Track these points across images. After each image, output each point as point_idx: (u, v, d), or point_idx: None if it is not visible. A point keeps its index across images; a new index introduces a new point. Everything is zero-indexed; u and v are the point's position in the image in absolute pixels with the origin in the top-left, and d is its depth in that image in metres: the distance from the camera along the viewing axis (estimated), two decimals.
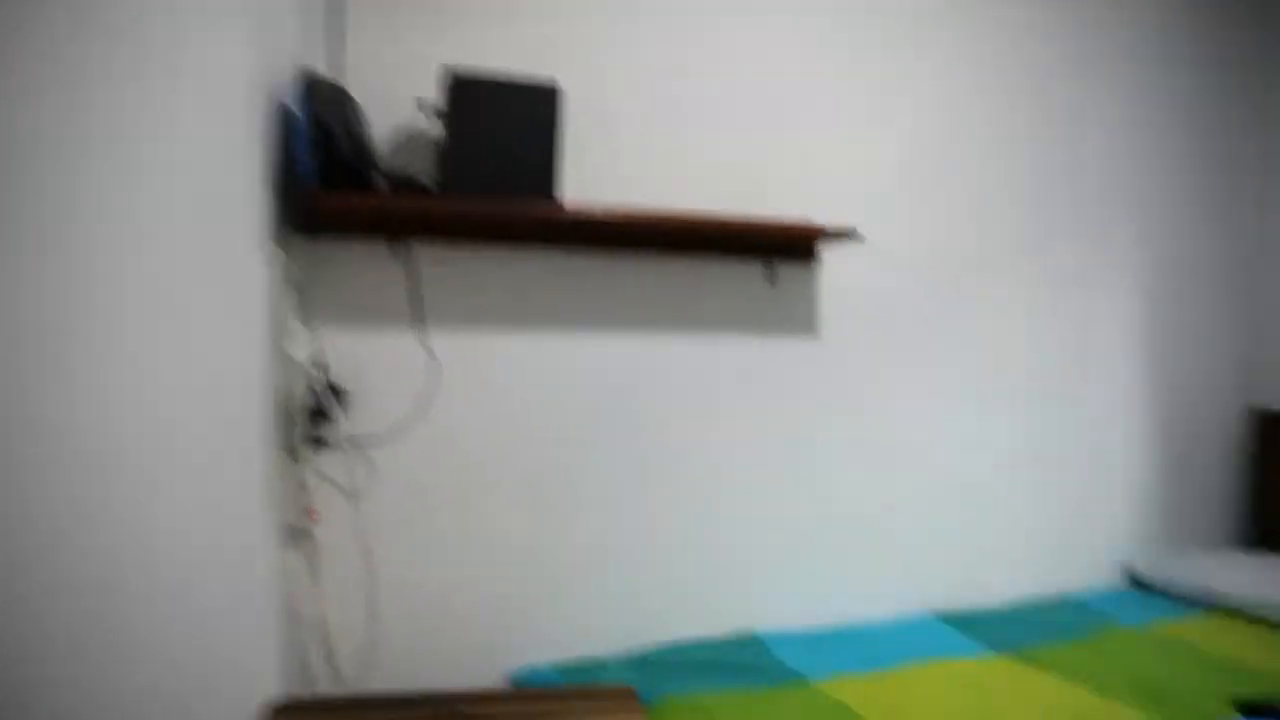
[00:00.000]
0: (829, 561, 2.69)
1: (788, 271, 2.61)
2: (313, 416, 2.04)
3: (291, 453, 2.03)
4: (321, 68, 2.08)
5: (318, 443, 2.08)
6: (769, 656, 2.36)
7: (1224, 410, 3.35)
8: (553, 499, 2.36)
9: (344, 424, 2.13)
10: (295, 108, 1.89)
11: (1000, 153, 2.91)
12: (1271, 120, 3.34)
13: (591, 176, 2.35)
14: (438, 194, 2.06)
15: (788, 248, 2.57)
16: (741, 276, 2.55)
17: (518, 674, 2.27)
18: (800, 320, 2.64)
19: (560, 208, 2.16)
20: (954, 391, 2.86)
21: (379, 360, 2.18)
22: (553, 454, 2.36)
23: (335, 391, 2.08)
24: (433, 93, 2.14)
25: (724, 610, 2.54)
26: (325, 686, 2.14)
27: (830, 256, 2.66)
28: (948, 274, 2.84)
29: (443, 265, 2.24)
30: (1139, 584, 3.07)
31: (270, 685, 1.89)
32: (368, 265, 2.17)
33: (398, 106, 2.18)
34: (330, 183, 1.94)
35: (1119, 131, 3.10)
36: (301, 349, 2.03)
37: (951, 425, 2.86)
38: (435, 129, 2.14)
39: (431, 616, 2.25)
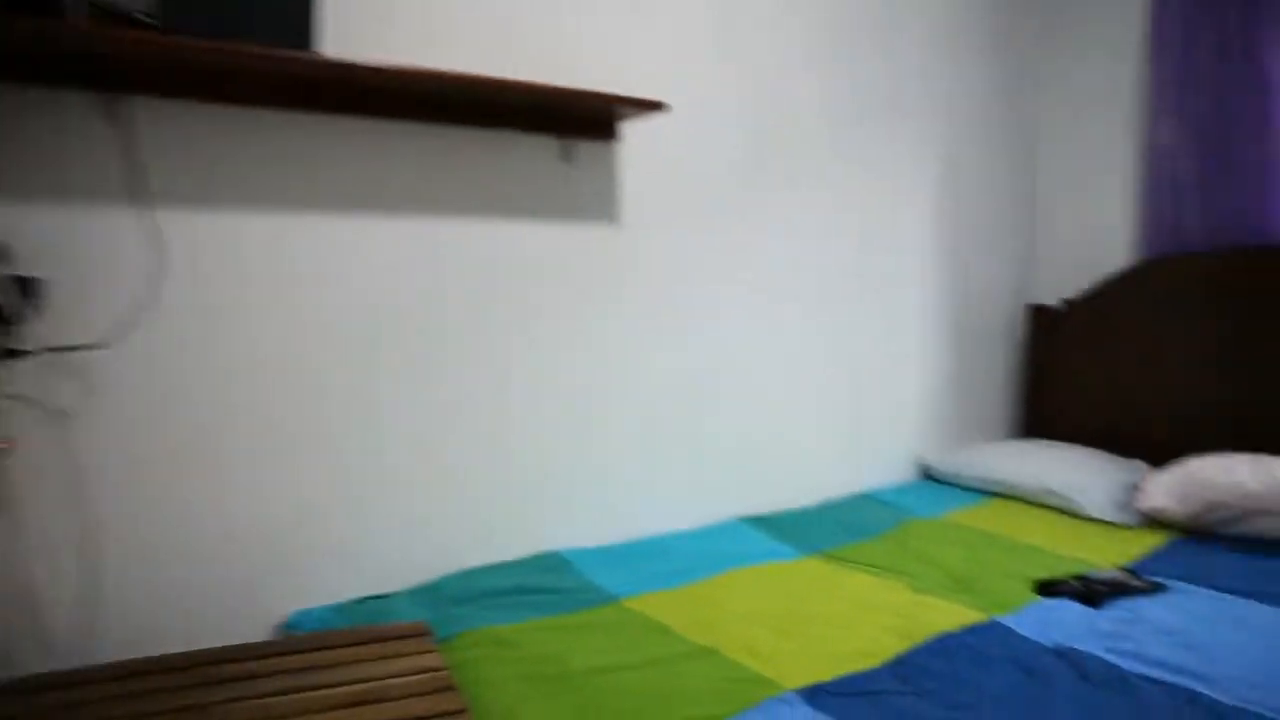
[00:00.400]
0: (633, 471, 2.50)
1: (586, 149, 2.34)
2: None
3: None
4: None
5: (5, 354, 1.61)
6: (575, 577, 2.17)
7: (1004, 308, 3.45)
8: (318, 414, 2.00)
9: (40, 327, 1.66)
10: None
11: (806, 41, 2.76)
12: (1050, 38, 3.42)
13: (359, 28, 1.95)
14: (156, 32, 1.61)
15: (586, 121, 2.29)
16: (534, 153, 2.25)
17: (291, 621, 1.94)
18: (599, 205, 2.38)
19: (318, 59, 1.77)
20: (756, 289, 2.73)
21: (89, 245, 1.71)
22: (315, 360, 1.99)
23: (25, 286, 1.60)
24: None
25: (524, 531, 2.31)
26: (33, 665, 1.70)
27: (632, 135, 2.41)
28: (752, 162, 2.67)
29: (169, 126, 1.78)
30: (931, 477, 3.14)
31: None
32: (68, 122, 1.68)
33: None
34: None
35: (918, 29, 3.06)
36: None
37: (755, 324, 2.73)
38: None
39: (175, 564, 1.84)
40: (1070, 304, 3.24)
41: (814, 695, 1.59)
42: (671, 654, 1.76)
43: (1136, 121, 3.12)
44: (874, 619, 1.94)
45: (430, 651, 1.65)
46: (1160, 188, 2.98)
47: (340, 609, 1.97)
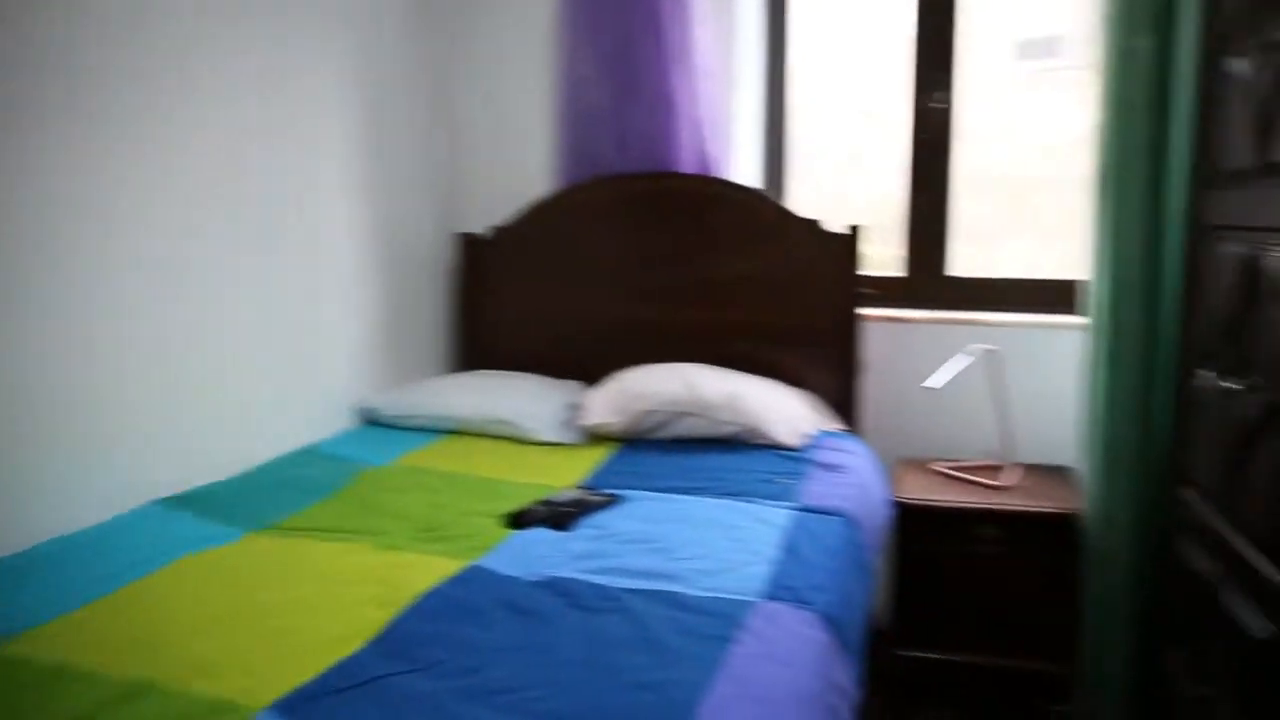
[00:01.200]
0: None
1: None
2: None
3: None
4: None
5: None
6: None
7: (433, 238, 3.32)
8: None
9: None
10: None
11: None
12: None
13: None
14: None
15: None
16: None
17: None
18: None
19: None
20: (155, 221, 2.19)
21: None
22: None
23: None
24: None
25: None
26: None
27: None
28: (144, 63, 2.11)
29: None
30: (375, 422, 2.90)
31: None
32: None
33: None
34: None
35: None
36: None
37: (157, 264, 2.19)
38: None
39: None
40: (498, 231, 3.22)
41: (293, 707, 1.29)
42: (91, 704, 1.30)
43: (554, 51, 3.17)
44: (347, 593, 1.68)
45: None
46: (576, 116, 3.06)
47: None
